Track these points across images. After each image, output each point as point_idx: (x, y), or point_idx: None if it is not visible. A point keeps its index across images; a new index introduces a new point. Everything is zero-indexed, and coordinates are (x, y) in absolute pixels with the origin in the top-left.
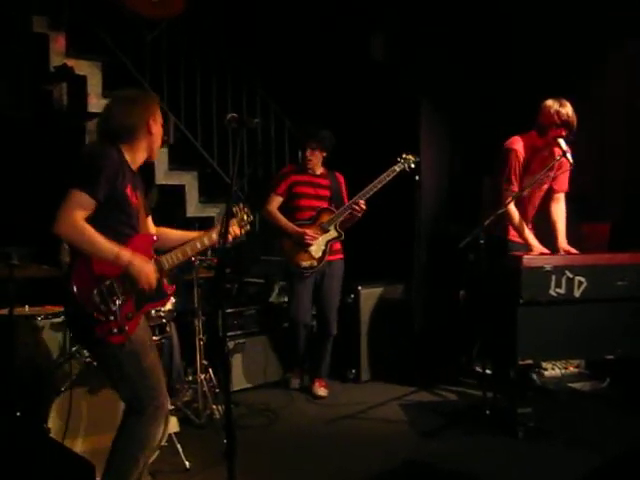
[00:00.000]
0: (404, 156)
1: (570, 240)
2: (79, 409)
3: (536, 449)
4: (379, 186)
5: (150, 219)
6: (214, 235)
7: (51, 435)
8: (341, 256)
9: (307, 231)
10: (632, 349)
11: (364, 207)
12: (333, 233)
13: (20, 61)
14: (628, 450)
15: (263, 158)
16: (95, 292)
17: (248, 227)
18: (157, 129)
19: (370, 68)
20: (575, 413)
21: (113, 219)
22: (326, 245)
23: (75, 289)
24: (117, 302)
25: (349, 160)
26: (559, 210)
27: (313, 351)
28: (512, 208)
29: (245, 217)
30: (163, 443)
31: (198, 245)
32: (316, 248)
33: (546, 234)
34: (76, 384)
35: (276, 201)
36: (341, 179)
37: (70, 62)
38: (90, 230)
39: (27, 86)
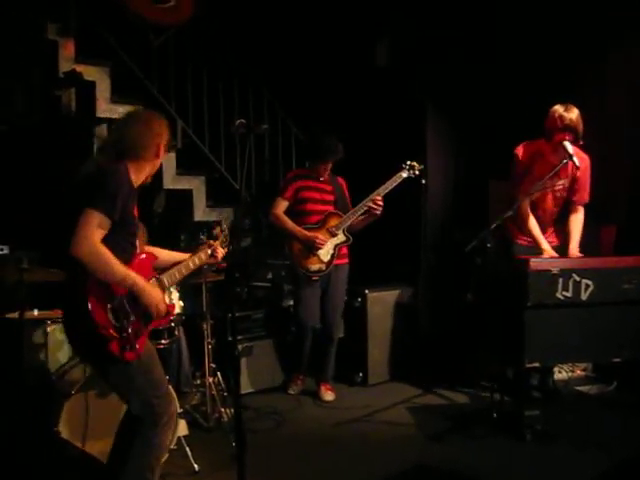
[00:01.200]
0: (409, 163)
1: (588, 244)
2: (89, 412)
3: (544, 452)
4: (386, 190)
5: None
6: (203, 255)
7: (62, 437)
8: (347, 260)
9: (318, 235)
10: (639, 352)
11: (381, 203)
12: (341, 237)
13: (32, 68)
14: (635, 453)
15: (270, 164)
16: (109, 308)
17: (227, 248)
18: (163, 155)
19: (376, 73)
20: (582, 416)
21: (121, 237)
22: (334, 249)
23: (90, 306)
24: (130, 319)
25: (356, 165)
26: (576, 220)
27: (318, 355)
28: (524, 209)
29: (225, 239)
30: (172, 446)
31: (191, 265)
32: (325, 252)
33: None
34: (86, 387)
35: (282, 205)
36: (343, 184)
37: (79, 68)
38: (108, 254)
39: (38, 93)
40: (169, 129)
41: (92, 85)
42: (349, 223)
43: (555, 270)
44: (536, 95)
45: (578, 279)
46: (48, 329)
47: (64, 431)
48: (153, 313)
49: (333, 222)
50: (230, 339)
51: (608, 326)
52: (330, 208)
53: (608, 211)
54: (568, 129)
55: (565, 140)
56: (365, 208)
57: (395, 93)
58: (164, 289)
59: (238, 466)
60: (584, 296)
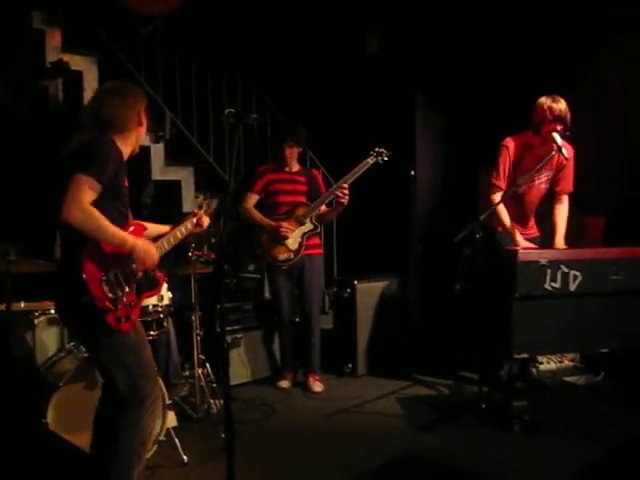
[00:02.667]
0: (377, 149)
1: (571, 234)
2: (77, 404)
3: (532, 442)
4: (353, 178)
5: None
6: (189, 224)
7: (50, 429)
8: (320, 251)
9: (282, 223)
10: (627, 343)
11: (347, 192)
12: (309, 225)
13: (19, 58)
14: (623, 443)
15: (259, 154)
16: (104, 280)
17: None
18: (145, 121)
19: (366, 63)
20: (570, 406)
21: (111, 207)
22: (302, 237)
23: (85, 278)
24: (125, 290)
25: (344, 155)
26: (562, 211)
27: (302, 347)
28: (497, 203)
29: (207, 207)
30: (161, 438)
31: (178, 235)
32: (292, 241)
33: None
34: (74, 379)
35: (252, 199)
36: (318, 176)
37: (66, 57)
38: (98, 213)
39: (26, 83)
40: (143, 94)
41: (79, 75)
42: (316, 211)
43: (543, 261)
44: (534, 94)
45: (566, 270)
46: (36, 321)
47: (52, 423)
48: (148, 265)
49: (301, 211)
50: (219, 330)
51: (596, 317)
52: (302, 199)
53: (599, 202)
54: (558, 120)
55: (555, 131)
56: (332, 196)
57: (385, 85)
58: None
59: (227, 457)
60: (572, 287)
